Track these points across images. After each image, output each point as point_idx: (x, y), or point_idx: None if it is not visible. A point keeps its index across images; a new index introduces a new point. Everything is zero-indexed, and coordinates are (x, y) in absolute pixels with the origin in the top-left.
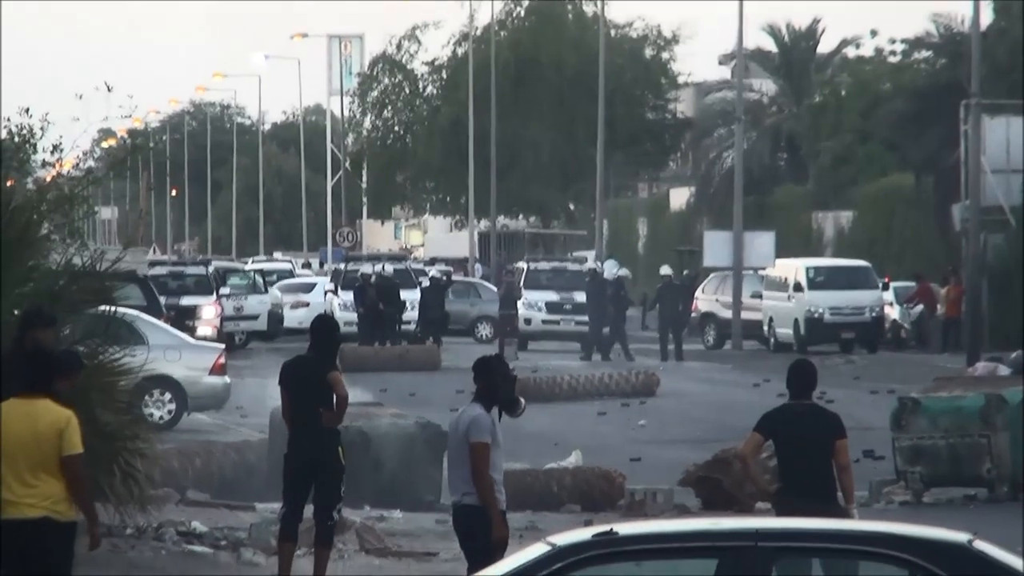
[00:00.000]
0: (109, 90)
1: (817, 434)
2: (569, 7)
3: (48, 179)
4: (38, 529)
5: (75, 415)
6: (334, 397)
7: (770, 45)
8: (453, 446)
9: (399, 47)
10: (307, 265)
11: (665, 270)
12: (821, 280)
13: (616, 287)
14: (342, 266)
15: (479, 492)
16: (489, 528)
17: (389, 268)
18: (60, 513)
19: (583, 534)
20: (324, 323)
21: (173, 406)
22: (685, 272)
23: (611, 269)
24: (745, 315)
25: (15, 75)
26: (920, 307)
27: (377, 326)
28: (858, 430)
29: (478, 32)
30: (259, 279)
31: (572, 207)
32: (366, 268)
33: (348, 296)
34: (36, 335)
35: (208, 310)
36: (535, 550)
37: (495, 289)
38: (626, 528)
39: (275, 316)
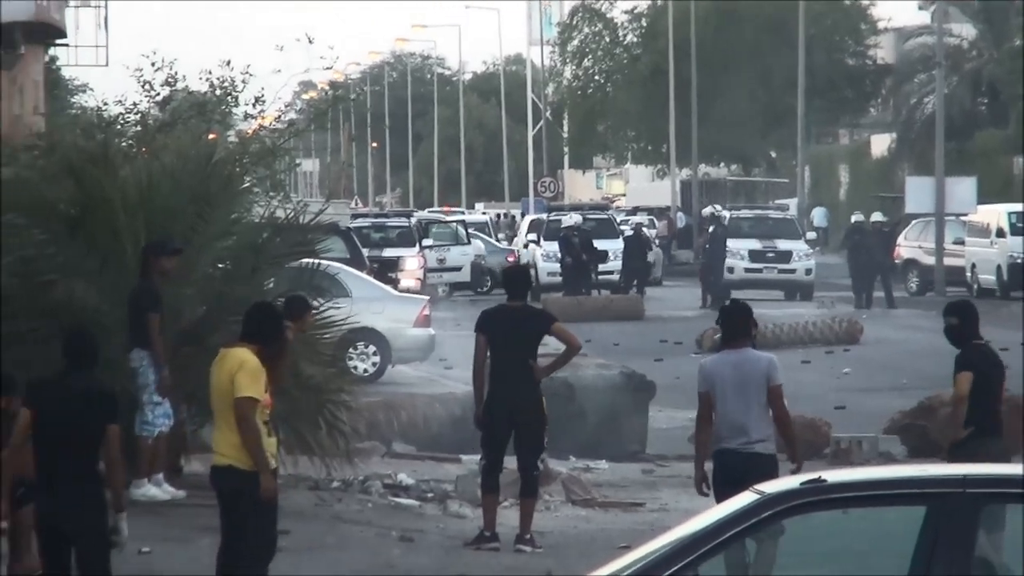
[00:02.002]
0: (311, 42)
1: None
2: None
3: (250, 132)
4: (225, 479)
5: (284, 365)
6: (535, 348)
7: None
8: (732, 390)
9: None
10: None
11: (856, 216)
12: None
13: (879, 236)
14: (544, 216)
15: (786, 436)
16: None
17: (577, 218)
18: (243, 462)
19: (791, 482)
20: (520, 272)
21: (377, 359)
22: (886, 218)
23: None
24: (948, 261)
25: (214, 27)
26: None
27: (581, 276)
28: None
29: None
30: (461, 230)
31: (773, 155)
32: (566, 219)
33: (551, 246)
34: (162, 264)
35: (411, 262)
36: (743, 498)
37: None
38: (834, 476)
39: (478, 267)
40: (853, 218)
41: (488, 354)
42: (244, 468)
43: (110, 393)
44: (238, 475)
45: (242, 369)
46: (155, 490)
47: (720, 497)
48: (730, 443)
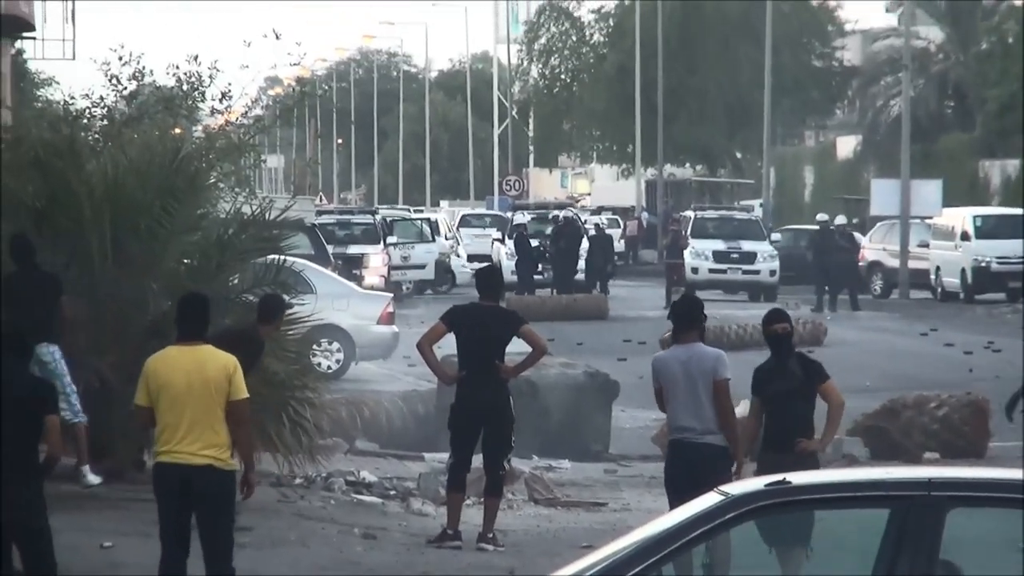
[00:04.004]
0: (278, 38)
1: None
2: None
3: (217, 127)
4: (203, 477)
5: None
6: (504, 349)
7: None
8: (682, 384)
9: None
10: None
11: (820, 216)
12: (988, 229)
13: (845, 238)
14: (509, 215)
15: (727, 431)
16: (730, 468)
17: (523, 217)
18: (223, 461)
19: (756, 484)
20: (493, 272)
21: (341, 355)
22: (855, 220)
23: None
24: (912, 264)
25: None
26: None
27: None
28: None
29: None
30: (427, 228)
31: (739, 155)
32: (519, 218)
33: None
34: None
35: (376, 259)
36: (707, 500)
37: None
38: (798, 478)
39: (442, 265)
40: (817, 219)
41: (456, 352)
42: (223, 468)
43: (46, 383)
44: (216, 474)
45: (237, 371)
46: (92, 476)
47: (671, 487)
48: (681, 435)
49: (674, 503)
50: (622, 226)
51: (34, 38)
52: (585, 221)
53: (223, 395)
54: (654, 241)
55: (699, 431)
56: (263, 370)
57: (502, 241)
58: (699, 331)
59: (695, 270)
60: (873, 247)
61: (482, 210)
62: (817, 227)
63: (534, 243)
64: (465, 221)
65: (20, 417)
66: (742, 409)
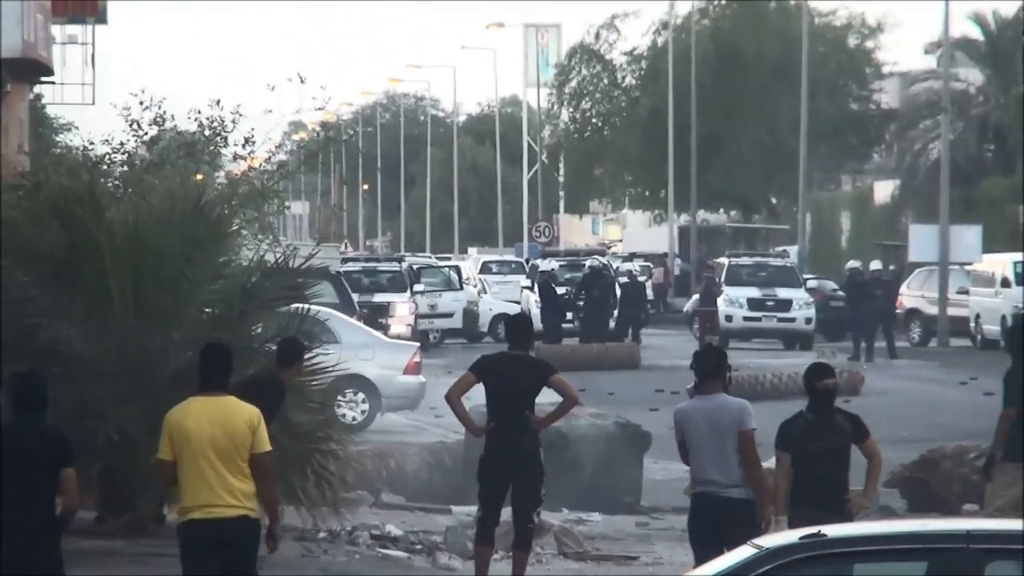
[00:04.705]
0: (302, 81)
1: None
2: None
3: (240, 173)
4: (236, 529)
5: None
6: (534, 399)
7: (976, 34)
8: (706, 435)
9: (597, 36)
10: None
11: (852, 264)
12: None
13: (880, 284)
14: (539, 261)
15: (754, 484)
16: (757, 522)
17: (550, 264)
18: (253, 511)
19: (790, 536)
20: (523, 320)
21: (367, 406)
22: (891, 267)
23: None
24: (951, 311)
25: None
26: None
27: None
28: None
29: (678, 21)
30: (454, 275)
31: (774, 201)
32: (544, 265)
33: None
34: None
35: (402, 307)
36: (742, 552)
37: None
38: (834, 530)
39: (470, 314)
40: (848, 266)
41: (485, 402)
42: (256, 517)
43: (62, 436)
44: (249, 524)
45: (261, 423)
46: None
47: (695, 541)
48: (706, 488)
49: (700, 559)
50: (650, 274)
51: (53, 82)
52: (616, 268)
53: (246, 448)
54: (687, 289)
55: (724, 484)
56: (286, 421)
57: (531, 289)
58: (723, 381)
59: (729, 318)
60: (911, 294)
61: (505, 256)
62: (847, 275)
63: (560, 291)
64: (486, 268)
65: (35, 470)
66: (774, 461)
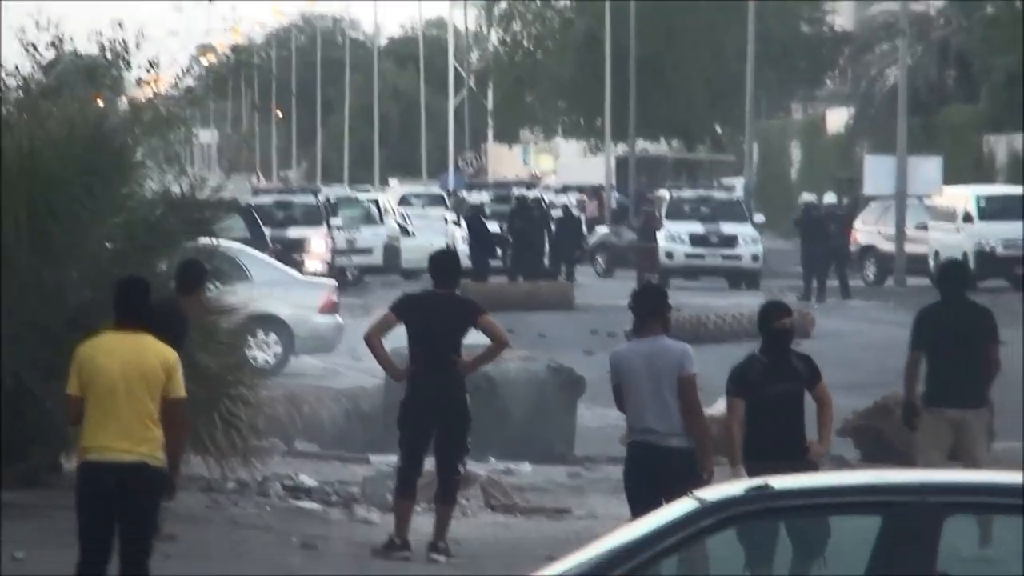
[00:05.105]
0: (211, 1)
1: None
2: None
3: (144, 99)
4: (135, 477)
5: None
6: (460, 341)
7: None
8: (644, 381)
9: None
10: None
11: (806, 196)
12: (993, 209)
13: (833, 219)
14: (463, 194)
15: (695, 432)
16: (699, 473)
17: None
18: (157, 459)
19: (734, 489)
20: (448, 257)
21: (279, 348)
22: (845, 201)
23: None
24: (909, 248)
25: None
26: None
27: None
28: None
29: None
30: (374, 209)
31: (719, 129)
32: (474, 198)
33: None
34: None
35: (317, 243)
36: (682, 506)
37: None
38: (781, 482)
39: (391, 250)
40: (802, 199)
41: (407, 344)
42: (158, 465)
43: None
44: (149, 473)
45: (178, 366)
46: None
47: (632, 493)
48: (643, 437)
49: (637, 512)
50: (584, 207)
51: None
52: (549, 201)
53: (158, 390)
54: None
55: (663, 433)
56: (193, 364)
57: (457, 223)
58: (663, 323)
59: (670, 255)
60: (866, 229)
61: (422, 189)
62: (802, 209)
63: (493, 227)
64: (405, 201)
65: None
66: (719, 408)
